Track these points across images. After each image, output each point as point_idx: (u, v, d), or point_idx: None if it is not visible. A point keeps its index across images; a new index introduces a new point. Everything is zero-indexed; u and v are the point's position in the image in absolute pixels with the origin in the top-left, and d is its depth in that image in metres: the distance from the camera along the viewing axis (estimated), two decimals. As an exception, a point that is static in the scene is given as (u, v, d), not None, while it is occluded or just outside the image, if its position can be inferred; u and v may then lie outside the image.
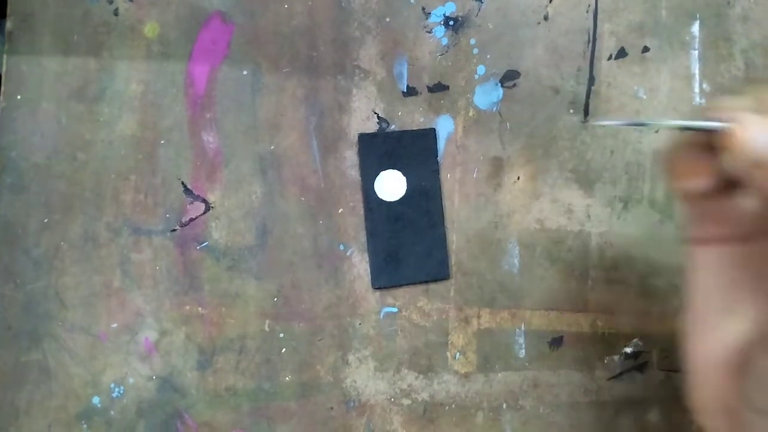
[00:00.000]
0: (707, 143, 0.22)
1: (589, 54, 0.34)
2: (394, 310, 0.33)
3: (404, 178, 0.33)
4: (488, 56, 0.34)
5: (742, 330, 0.24)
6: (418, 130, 0.33)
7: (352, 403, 0.33)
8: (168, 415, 0.33)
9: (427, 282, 0.33)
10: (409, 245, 0.33)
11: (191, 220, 0.33)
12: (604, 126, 0.28)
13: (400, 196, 0.33)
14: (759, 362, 0.22)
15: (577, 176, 0.34)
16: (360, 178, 0.33)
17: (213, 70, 0.33)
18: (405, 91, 0.34)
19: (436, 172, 0.33)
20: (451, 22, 0.34)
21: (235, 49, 0.33)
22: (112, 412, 0.32)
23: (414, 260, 0.33)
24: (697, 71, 0.34)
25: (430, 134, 0.33)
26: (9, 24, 0.33)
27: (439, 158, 0.33)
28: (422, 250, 0.33)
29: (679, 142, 0.22)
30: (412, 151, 0.33)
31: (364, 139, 0.33)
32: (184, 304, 0.33)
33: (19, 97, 0.33)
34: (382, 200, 0.33)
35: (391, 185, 0.33)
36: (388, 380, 0.33)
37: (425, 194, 0.33)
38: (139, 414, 0.33)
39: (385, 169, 0.33)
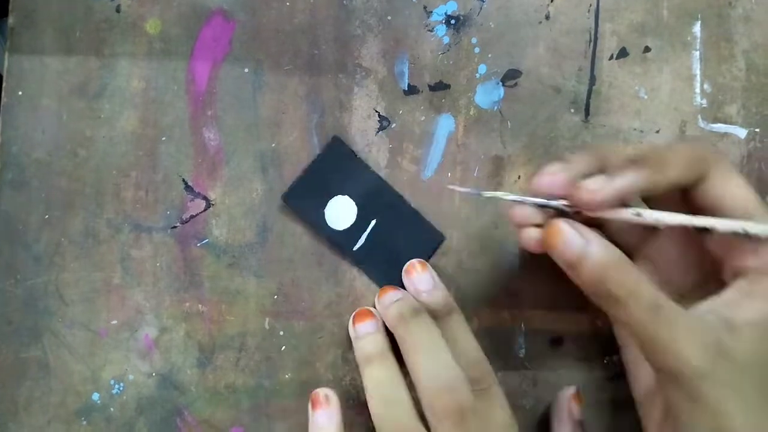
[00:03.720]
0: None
1: (590, 53, 0.34)
2: (394, 308, 0.33)
3: (346, 197, 0.33)
4: (489, 55, 0.34)
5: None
6: (324, 150, 0.33)
7: (351, 401, 0.33)
8: (168, 412, 0.33)
9: (430, 257, 0.33)
10: (396, 243, 0.33)
11: (192, 217, 0.33)
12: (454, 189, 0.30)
13: (355, 213, 0.33)
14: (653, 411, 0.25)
15: (577, 176, 0.34)
16: (317, 230, 0.33)
17: (214, 67, 0.33)
18: (406, 89, 0.34)
19: (366, 167, 0.33)
20: (453, 21, 0.34)
21: (237, 46, 0.33)
22: (111, 409, 0.32)
23: (409, 249, 0.33)
24: (698, 71, 0.34)
25: (336, 145, 0.33)
26: (11, 20, 0.33)
27: (359, 154, 0.33)
28: (409, 236, 0.33)
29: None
30: (332, 168, 0.33)
31: (293, 194, 0.33)
32: (184, 301, 0.33)
33: (20, 93, 0.33)
34: (344, 230, 0.33)
35: (341, 213, 0.33)
36: (388, 378, 0.33)
37: (376, 193, 0.33)
38: (139, 411, 0.33)
39: (323, 209, 0.33)
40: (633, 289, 0.23)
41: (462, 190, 0.28)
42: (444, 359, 0.27)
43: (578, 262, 0.24)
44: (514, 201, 0.26)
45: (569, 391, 0.31)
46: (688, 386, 0.22)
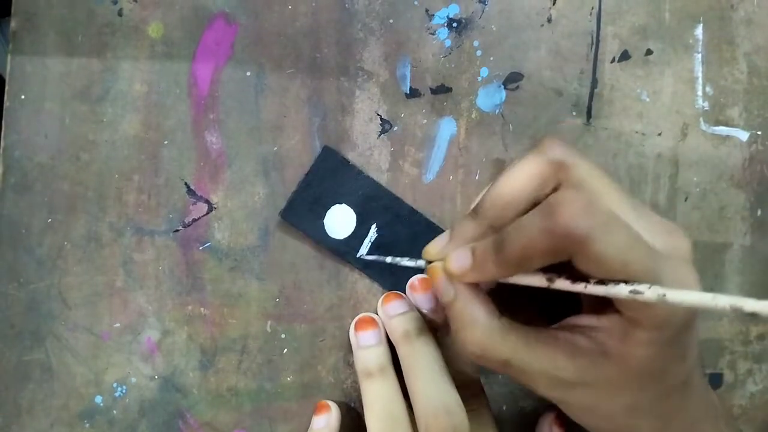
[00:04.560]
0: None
1: (592, 56, 0.34)
2: (396, 311, 0.33)
3: (343, 205, 0.33)
4: (491, 58, 0.34)
5: None
6: (316, 161, 0.33)
7: (353, 404, 0.33)
8: (170, 415, 0.33)
9: None
10: (398, 244, 0.33)
11: (194, 220, 0.33)
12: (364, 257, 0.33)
13: (355, 220, 0.33)
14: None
15: (579, 179, 0.34)
16: (322, 244, 0.33)
17: (216, 70, 0.33)
18: (408, 92, 0.34)
19: (360, 172, 0.33)
20: (455, 24, 0.34)
21: (239, 49, 0.33)
22: (114, 412, 0.33)
23: (412, 248, 0.33)
24: (700, 74, 0.34)
25: (328, 155, 0.33)
26: (13, 24, 0.33)
27: (360, 157, 0.33)
28: (410, 235, 0.33)
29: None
30: (326, 178, 0.33)
31: (291, 210, 0.33)
32: (187, 305, 0.33)
33: (23, 96, 0.33)
34: (345, 239, 0.33)
35: (341, 222, 0.33)
36: (390, 381, 0.33)
37: (373, 198, 0.33)
38: (142, 413, 0.33)
39: (321, 220, 0.33)
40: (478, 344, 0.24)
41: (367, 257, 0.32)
42: (443, 382, 0.27)
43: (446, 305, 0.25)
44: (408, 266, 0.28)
45: (550, 416, 0.32)
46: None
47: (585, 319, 0.24)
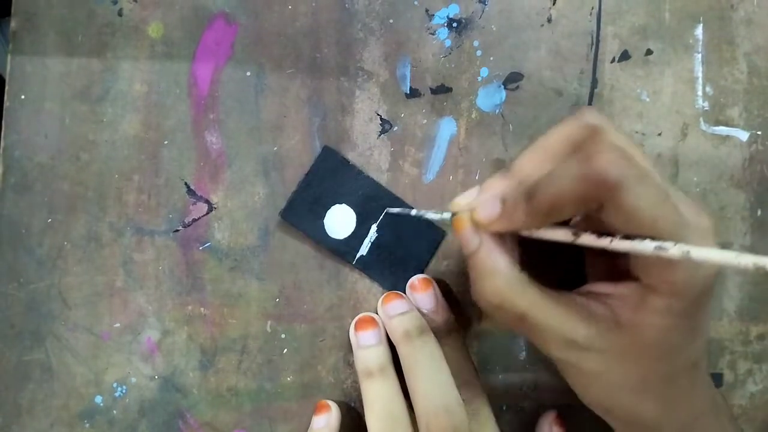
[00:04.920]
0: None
1: (592, 56, 0.34)
2: (396, 311, 0.33)
3: (343, 205, 0.33)
4: (491, 58, 0.34)
5: None
6: (316, 161, 0.33)
7: (353, 404, 0.33)
8: (170, 415, 0.33)
9: (433, 254, 0.33)
10: (398, 244, 0.33)
11: (194, 220, 0.33)
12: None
13: (355, 220, 0.33)
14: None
15: (579, 179, 0.34)
16: (322, 243, 0.33)
17: (216, 70, 0.33)
18: (408, 92, 0.34)
19: (360, 172, 0.33)
20: (455, 24, 0.34)
21: (239, 49, 0.33)
22: (114, 412, 0.33)
23: (412, 248, 0.33)
24: (700, 74, 0.34)
25: (328, 155, 0.33)
26: (13, 24, 0.33)
27: (360, 157, 0.33)
28: (409, 235, 0.33)
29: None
30: (326, 178, 0.33)
31: (291, 210, 0.33)
32: (187, 305, 0.33)
33: (23, 96, 0.33)
34: (345, 239, 0.33)
35: (341, 222, 0.33)
36: (390, 381, 0.33)
37: (373, 198, 0.33)
38: (142, 413, 0.33)
39: (321, 220, 0.33)
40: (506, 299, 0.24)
41: (395, 211, 0.31)
42: (444, 381, 0.27)
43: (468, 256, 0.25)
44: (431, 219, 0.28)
45: (551, 415, 0.32)
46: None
47: (602, 287, 0.24)
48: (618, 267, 0.24)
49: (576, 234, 0.22)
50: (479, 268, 0.24)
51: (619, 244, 0.21)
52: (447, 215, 0.26)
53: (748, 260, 0.19)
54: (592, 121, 0.23)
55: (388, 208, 0.32)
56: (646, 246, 0.21)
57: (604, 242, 0.22)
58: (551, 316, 0.23)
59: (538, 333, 0.24)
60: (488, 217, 0.24)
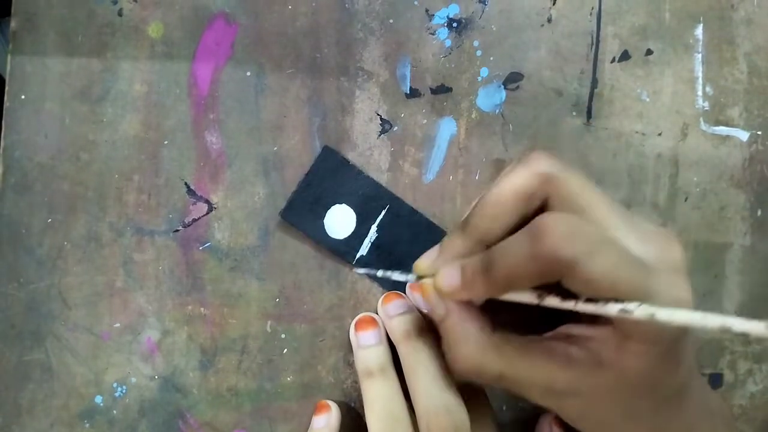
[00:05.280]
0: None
1: (592, 56, 0.34)
2: (396, 311, 0.33)
3: (343, 205, 0.33)
4: (491, 58, 0.34)
5: None
6: (316, 161, 0.33)
7: (353, 404, 0.33)
8: (170, 415, 0.33)
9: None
10: (399, 244, 0.33)
11: (194, 220, 0.33)
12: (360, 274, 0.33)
13: (355, 220, 0.33)
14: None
15: (579, 179, 0.34)
16: (324, 245, 0.33)
17: (216, 70, 0.33)
18: (408, 92, 0.34)
19: (360, 172, 0.33)
20: (455, 24, 0.34)
21: (239, 49, 0.33)
22: (114, 412, 0.33)
23: (412, 248, 0.33)
24: (700, 74, 0.34)
25: (328, 155, 0.33)
26: (13, 24, 0.33)
27: (360, 157, 0.33)
28: (410, 235, 0.33)
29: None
30: (326, 178, 0.33)
31: (291, 210, 0.33)
32: (187, 305, 0.33)
33: (23, 97, 0.33)
34: (345, 239, 0.33)
35: (341, 221, 0.33)
36: (390, 381, 0.33)
37: (373, 197, 0.33)
38: (142, 413, 0.33)
39: (321, 220, 0.33)
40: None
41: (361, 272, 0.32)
42: (444, 381, 0.27)
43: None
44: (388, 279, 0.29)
45: (550, 415, 0.32)
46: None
47: (580, 329, 0.24)
48: None
49: (541, 296, 0.22)
50: (450, 336, 0.24)
51: (584, 307, 0.21)
52: (412, 277, 0.27)
53: (715, 321, 0.18)
54: (542, 169, 0.23)
55: (355, 269, 0.33)
56: (610, 309, 0.20)
57: (569, 304, 0.22)
58: (529, 369, 0.23)
59: (518, 387, 0.24)
60: (450, 287, 0.24)
